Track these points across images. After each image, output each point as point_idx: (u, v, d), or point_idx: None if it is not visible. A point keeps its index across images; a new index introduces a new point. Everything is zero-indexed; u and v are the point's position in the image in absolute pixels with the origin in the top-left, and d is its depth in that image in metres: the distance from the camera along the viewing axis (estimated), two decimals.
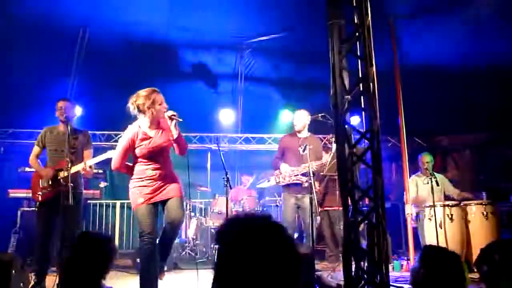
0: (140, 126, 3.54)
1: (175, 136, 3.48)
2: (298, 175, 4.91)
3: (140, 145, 3.50)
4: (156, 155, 3.53)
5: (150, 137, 3.53)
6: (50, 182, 4.36)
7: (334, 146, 5.00)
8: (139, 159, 3.53)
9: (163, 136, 3.56)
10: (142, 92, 3.51)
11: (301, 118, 5.23)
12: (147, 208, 3.46)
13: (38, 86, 6.70)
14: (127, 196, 8.30)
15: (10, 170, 7.04)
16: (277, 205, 7.01)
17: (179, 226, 3.67)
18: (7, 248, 5.72)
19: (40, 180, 4.40)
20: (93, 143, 7.76)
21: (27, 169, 6.15)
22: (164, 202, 3.53)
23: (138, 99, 3.48)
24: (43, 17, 5.85)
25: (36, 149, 4.52)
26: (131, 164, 3.62)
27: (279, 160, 5.19)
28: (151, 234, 3.38)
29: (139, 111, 3.47)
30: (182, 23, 6.45)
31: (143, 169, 3.52)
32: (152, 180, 3.50)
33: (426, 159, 5.88)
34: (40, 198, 4.36)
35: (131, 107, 3.50)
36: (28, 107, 6.75)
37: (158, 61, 7.17)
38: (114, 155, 3.60)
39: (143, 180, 3.52)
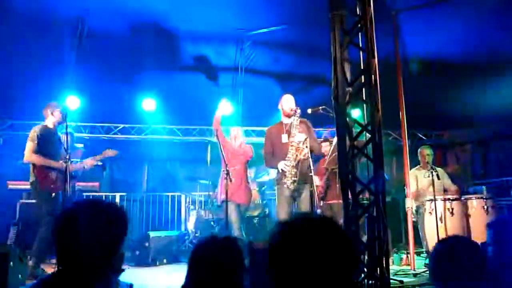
0: None
1: None
2: (291, 166, 4.53)
3: None
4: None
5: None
6: (58, 176, 4.63)
7: (335, 139, 4.97)
8: None
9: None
10: None
11: (293, 100, 4.83)
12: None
13: (37, 77, 6.65)
14: (126, 188, 8.33)
15: (9, 162, 7.00)
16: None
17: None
18: (6, 240, 5.70)
19: (51, 173, 4.62)
20: (93, 135, 7.81)
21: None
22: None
23: None
24: (41, 6, 5.78)
25: (33, 145, 4.67)
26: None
27: (272, 157, 4.81)
28: None
29: None
30: (183, 14, 6.39)
31: None
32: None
33: (426, 151, 5.86)
34: (53, 190, 4.63)
35: None
36: (27, 99, 6.71)
37: (158, 53, 7.10)
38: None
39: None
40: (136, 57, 6.99)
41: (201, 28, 6.71)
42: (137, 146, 8.17)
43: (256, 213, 6.86)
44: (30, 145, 4.67)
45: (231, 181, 4.79)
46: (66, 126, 4.64)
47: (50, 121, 4.95)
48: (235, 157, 5.32)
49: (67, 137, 4.60)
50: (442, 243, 1.71)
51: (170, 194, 8.18)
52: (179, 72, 7.67)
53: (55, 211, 4.51)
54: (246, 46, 7.42)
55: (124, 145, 8.07)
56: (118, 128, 8.03)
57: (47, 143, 4.77)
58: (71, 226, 1.48)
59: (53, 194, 4.66)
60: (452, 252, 1.62)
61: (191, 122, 8.28)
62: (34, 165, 4.67)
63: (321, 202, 5.89)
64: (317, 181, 5.87)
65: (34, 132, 4.74)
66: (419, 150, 6.01)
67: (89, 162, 5.11)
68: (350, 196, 3.08)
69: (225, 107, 5.50)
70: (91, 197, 7.36)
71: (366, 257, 3.05)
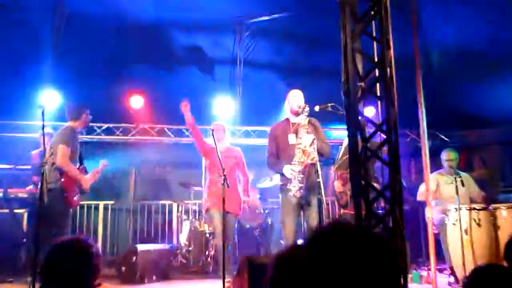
0: None
1: None
2: (298, 171, 4.47)
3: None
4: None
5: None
6: (79, 188, 4.89)
7: (345, 140, 4.95)
8: None
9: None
10: None
11: (301, 96, 4.82)
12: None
13: (12, 73, 6.65)
14: (111, 196, 8.32)
15: None
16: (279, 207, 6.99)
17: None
18: None
19: (76, 185, 4.82)
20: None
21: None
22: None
23: None
24: None
25: (68, 150, 4.72)
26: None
27: (277, 160, 4.76)
28: None
29: None
30: (173, 1, 6.40)
31: None
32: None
33: (450, 156, 5.85)
34: (74, 203, 4.89)
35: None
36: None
37: (147, 44, 7.11)
38: None
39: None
40: (122, 49, 7.00)
41: (194, 16, 6.71)
42: (123, 148, 8.16)
43: (256, 223, 6.85)
44: (65, 149, 4.66)
45: (228, 186, 4.78)
46: (43, 126, 4.62)
47: (77, 124, 4.98)
48: (223, 160, 5.25)
49: (44, 138, 4.59)
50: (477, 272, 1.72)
51: (160, 202, 8.18)
52: (170, 65, 7.68)
53: (66, 228, 4.73)
54: (245, 36, 7.43)
55: (108, 147, 8.06)
56: (102, 128, 8.03)
57: (74, 150, 4.82)
58: None
59: (70, 210, 4.84)
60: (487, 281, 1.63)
61: (184, 122, 8.26)
62: (61, 171, 4.68)
63: (341, 210, 5.91)
64: (339, 186, 5.89)
65: (67, 134, 4.76)
66: (442, 153, 5.99)
67: (94, 178, 5.18)
68: (363, 205, 3.07)
69: (186, 110, 5.47)
70: None
71: None
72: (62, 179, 4.67)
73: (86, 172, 5.11)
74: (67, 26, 6.50)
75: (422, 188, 5.68)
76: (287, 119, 4.89)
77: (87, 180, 4.94)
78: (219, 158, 4.77)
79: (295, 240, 4.72)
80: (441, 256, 5.44)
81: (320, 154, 4.52)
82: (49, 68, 6.82)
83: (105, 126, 8.04)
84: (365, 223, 3.02)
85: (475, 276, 1.69)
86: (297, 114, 4.75)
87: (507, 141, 8.58)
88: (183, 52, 7.52)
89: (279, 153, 4.78)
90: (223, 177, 4.74)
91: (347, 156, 3.53)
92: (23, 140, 7.01)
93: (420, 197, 5.84)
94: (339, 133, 8.19)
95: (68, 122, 4.97)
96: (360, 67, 3.30)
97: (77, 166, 4.94)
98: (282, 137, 4.79)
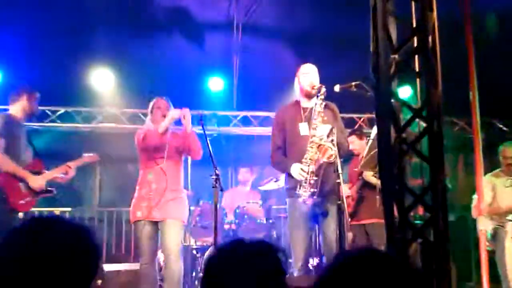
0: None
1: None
2: (310, 172, 4.45)
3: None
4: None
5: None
6: (27, 189, 4.89)
7: (374, 129, 4.96)
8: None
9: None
10: None
11: (316, 72, 4.81)
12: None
13: None
14: (70, 201, 8.34)
15: None
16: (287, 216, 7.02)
17: None
18: None
19: (20, 184, 4.83)
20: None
21: None
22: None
23: None
24: None
25: (1, 142, 4.77)
26: None
27: (283, 157, 4.75)
28: None
29: None
30: None
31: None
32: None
33: (510, 151, 5.86)
34: (22, 208, 4.90)
35: None
36: None
37: (116, 3, 7.11)
38: None
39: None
40: (82, 10, 6.99)
41: None
42: (85, 139, 8.18)
43: (258, 237, 6.89)
44: None
45: (222, 190, 4.80)
46: None
47: (19, 108, 5.03)
48: (158, 149, 4.95)
49: None
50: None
51: None
52: (146, 31, 7.67)
53: None
54: None
55: (66, 137, 8.08)
56: (58, 113, 8.04)
57: (14, 140, 4.87)
58: None
59: (20, 214, 4.89)
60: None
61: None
62: None
63: (349, 220, 5.93)
64: (346, 190, 5.89)
65: None
66: (500, 148, 6.01)
67: (70, 173, 5.28)
68: (396, 213, 3.09)
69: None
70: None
71: None
72: None
73: (43, 165, 5.18)
74: None
75: (476, 200, 5.65)
76: (297, 103, 4.87)
77: (35, 178, 4.95)
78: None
79: (307, 258, 4.73)
80: (496, 279, 5.48)
81: (338, 149, 4.50)
82: None
83: (61, 110, 8.07)
84: (399, 236, 3.04)
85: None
86: (309, 96, 4.74)
87: None
88: (163, 14, 7.51)
89: (286, 147, 4.77)
90: (215, 176, 4.75)
91: (376, 150, 3.54)
92: None
93: (475, 212, 5.82)
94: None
95: (10, 108, 5.07)
96: (393, 34, 3.30)
97: (24, 160, 4.97)
98: (290, 126, 4.76)
